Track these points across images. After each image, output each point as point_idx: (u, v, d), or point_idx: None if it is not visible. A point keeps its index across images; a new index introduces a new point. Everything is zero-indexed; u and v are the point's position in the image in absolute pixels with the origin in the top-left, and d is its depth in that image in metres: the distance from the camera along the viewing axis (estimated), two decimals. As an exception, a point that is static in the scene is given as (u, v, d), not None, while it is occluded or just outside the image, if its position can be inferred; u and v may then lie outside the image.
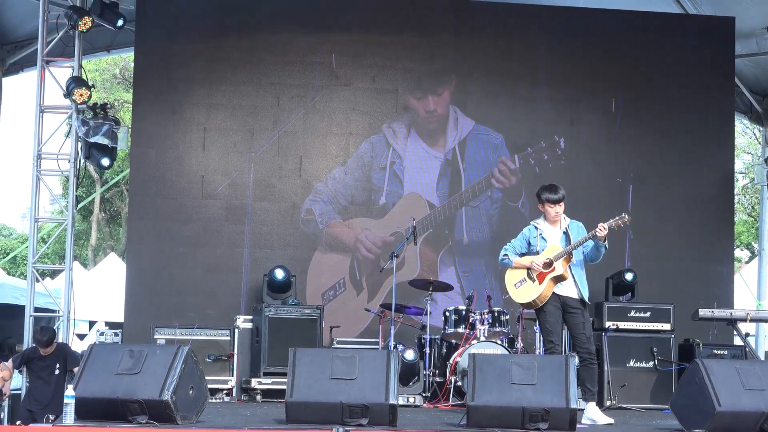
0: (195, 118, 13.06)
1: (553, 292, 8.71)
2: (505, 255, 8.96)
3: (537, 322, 10.81)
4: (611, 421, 8.53)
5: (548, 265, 8.67)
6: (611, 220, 8.61)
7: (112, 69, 30.17)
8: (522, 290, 8.82)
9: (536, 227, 8.91)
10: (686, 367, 8.49)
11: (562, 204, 8.82)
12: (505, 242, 9.15)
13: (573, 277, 8.72)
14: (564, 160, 13.36)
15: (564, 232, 8.80)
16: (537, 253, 8.79)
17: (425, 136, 13.32)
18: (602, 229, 8.53)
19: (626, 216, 8.65)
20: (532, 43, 13.56)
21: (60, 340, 11.48)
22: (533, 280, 8.73)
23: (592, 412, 8.50)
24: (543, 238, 8.81)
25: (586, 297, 8.78)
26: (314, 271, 12.98)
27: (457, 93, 13.40)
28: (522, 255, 8.90)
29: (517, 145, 13.39)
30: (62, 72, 12.69)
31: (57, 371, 10.84)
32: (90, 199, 28.08)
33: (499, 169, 13.30)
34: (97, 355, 7.53)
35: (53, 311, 13.25)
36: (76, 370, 10.18)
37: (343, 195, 13.16)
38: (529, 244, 8.90)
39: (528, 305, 8.94)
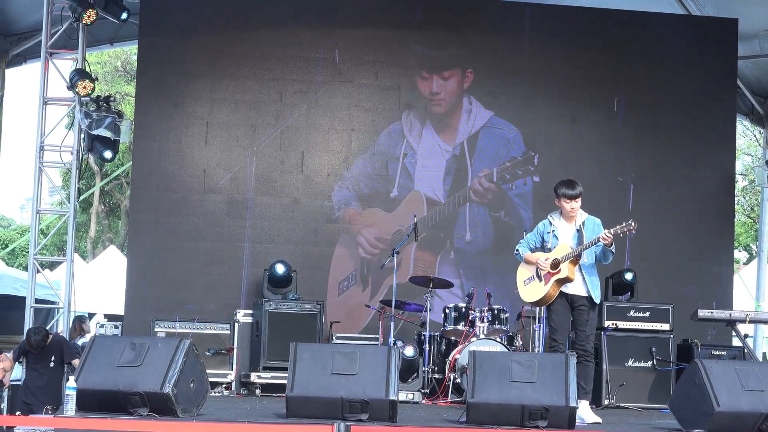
0: (197, 111, 13.07)
1: (561, 291, 8.68)
2: (518, 250, 8.97)
3: (536, 321, 10.84)
4: (598, 420, 8.50)
5: (555, 265, 8.64)
6: (617, 227, 8.47)
7: (113, 62, 30.18)
8: (529, 288, 8.81)
9: (551, 222, 8.85)
10: (685, 367, 8.50)
11: (578, 200, 8.74)
12: (507, 239, 9.13)
13: (583, 278, 8.64)
14: (537, 177, 13.32)
15: (578, 230, 8.73)
16: (549, 249, 8.75)
17: (438, 127, 13.31)
18: (607, 237, 8.47)
19: (633, 223, 8.46)
20: (532, 42, 13.56)
21: (58, 331, 11.47)
22: (540, 279, 8.72)
23: (583, 411, 8.47)
24: (555, 236, 8.75)
25: (596, 298, 8.73)
26: (336, 264, 13.04)
27: (473, 85, 13.39)
28: (535, 250, 8.86)
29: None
30: (65, 64, 12.71)
31: (52, 363, 10.82)
32: (91, 191, 28.08)
33: (474, 187, 13.27)
34: (98, 347, 7.55)
35: (53, 303, 13.28)
36: (75, 362, 10.23)
37: (364, 183, 13.18)
38: (543, 239, 8.88)
39: (534, 303, 8.94)
